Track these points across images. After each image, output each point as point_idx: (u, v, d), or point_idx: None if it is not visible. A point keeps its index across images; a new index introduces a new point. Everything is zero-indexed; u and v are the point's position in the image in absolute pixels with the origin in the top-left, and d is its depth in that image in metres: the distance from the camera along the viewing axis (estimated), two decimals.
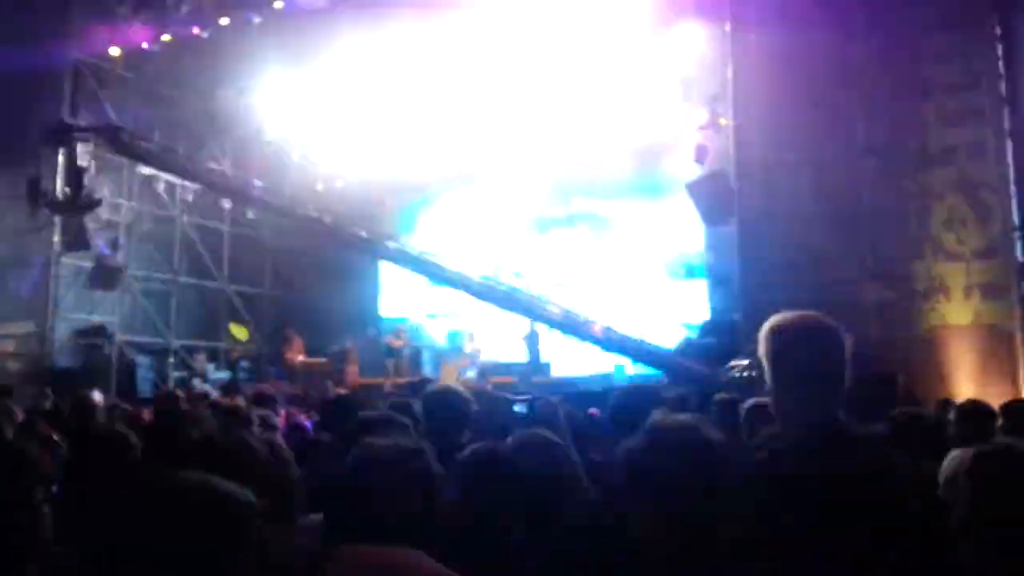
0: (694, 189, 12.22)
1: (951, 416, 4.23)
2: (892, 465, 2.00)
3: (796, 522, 1.76)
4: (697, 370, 10.88)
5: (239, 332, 18.37)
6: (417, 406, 4.57)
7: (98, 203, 14.76)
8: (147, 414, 6.09)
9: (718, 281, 14.23)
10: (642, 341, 12.90)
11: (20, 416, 6.16)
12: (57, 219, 14.96)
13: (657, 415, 1.91)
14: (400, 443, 1.81)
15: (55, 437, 3.89)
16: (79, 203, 14.33)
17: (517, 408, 4.40)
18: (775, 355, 2.07)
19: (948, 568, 1.96)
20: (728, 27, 11.48)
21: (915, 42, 10.36)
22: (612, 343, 13.00)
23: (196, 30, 14.78)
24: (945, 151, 10.37)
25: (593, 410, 4.50)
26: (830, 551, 1.75)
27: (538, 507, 2.25)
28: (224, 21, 13.88)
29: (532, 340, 15.00)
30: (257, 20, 14.70)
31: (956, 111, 10.29)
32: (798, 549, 1.74)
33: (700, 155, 14.01)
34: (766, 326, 2.11)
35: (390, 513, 1.68)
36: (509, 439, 2.51)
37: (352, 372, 15.76)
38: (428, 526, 1.71)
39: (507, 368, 14.81)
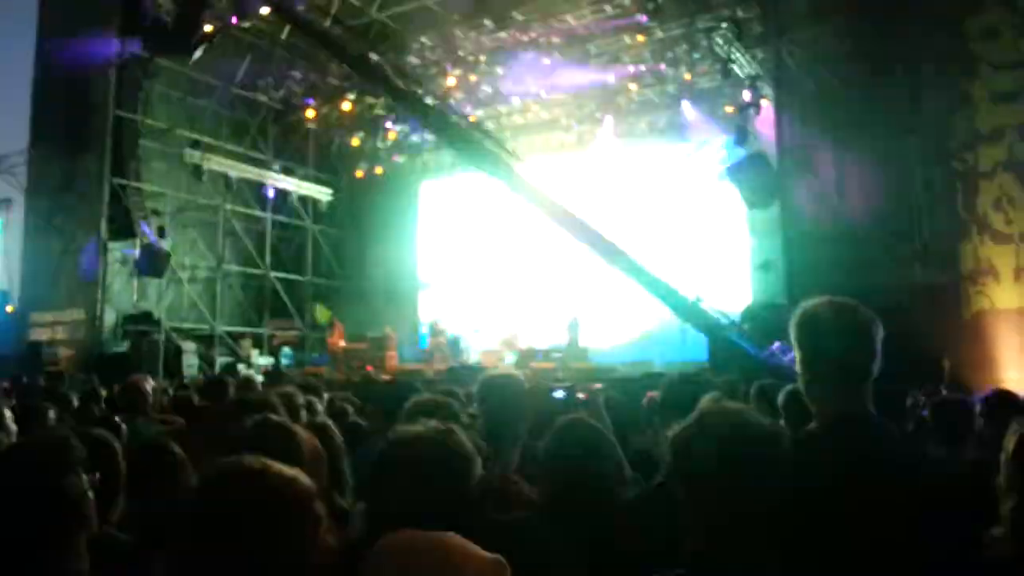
0: (735, 172, 12.08)
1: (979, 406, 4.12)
2: (917, 455, 2.00)
3: (822, 508, 1.77)
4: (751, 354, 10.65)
5: (323, 314, 18.58)
6: (460, 392, 4.59)
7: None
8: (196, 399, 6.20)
9: (761, 266, 14.07)
10: (725, 315, 11.95)
11: (75, 402, 6.36)
12: (105, 208, 15.27)
13: (705, 401, 1.91)
14: (429, 426, 1.82)
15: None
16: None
17: (556, 395, 4.41)
18: (805, 343, 2.07)
19: (975, 556, 1.97)
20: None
21: (963, 19, 10.10)
22: (691, 314, 12.29)
23: (235, 20, 14.89)
24: (994, 130, 10.11)
25: (652, 393, 4.47)
26: (856, 537, 1.77)
27: (579, 494, 2.26)
28: (266, 11, 13.98)
29: (573, 326, 15.02)
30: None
31: (1006, 89, 10.02)
32: (825, 534, 1.75)
33: (741, 137, 13.87)
34: (797, 312, 2.11)
35: (426, 498, 1.70)
36: (552, 427, 2.51)
37: (392, 358, 15.90)
38: (465, 509, 1.73)
39: (546, 354, 14.82)
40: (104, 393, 7.15)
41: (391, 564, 1.56)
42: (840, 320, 2.04)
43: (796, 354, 2.10)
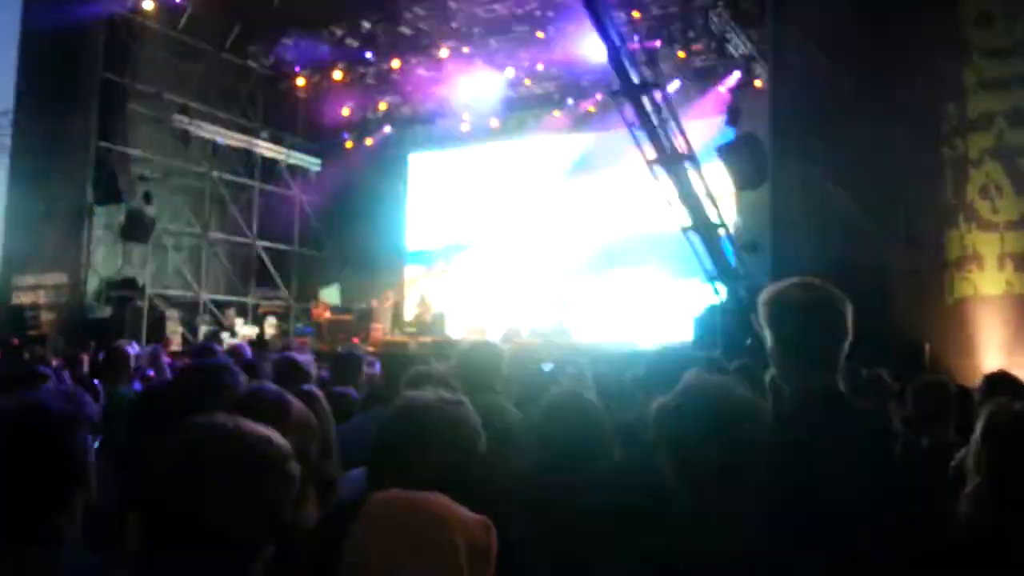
0: (725, 152, 12.06)
1: (980, 387, 4.18)
2: (886, 433, 2.04)
3: (794, 484, 1.81)
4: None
5: (329, 295, 18.43)
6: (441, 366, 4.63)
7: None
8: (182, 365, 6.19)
9: (748, 247, 14.09)
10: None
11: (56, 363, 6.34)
12: (91, 172, 15.12)
13: (689, 375, 1.93)
14: (443, 394, 1.85)
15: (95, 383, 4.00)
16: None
17: (545, 367, 4.43)
18: (774, 323, 2.09)
19: (945, 530, 2.01)
20: None
21: (959, 3, 10.08)
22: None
23: None
24: (984, 116, 10.13)
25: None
26: (826, 513, 1.80)
27: (573, 465, 2.30)
28: None
29: (561, 307, 15.13)
30: None
31: (996, 75, 10.03)
32: (797, 510, 1.79)
33: (733, 117, 13.85)
34: (765, 293, 2.12)
35: (430, 462, 1.73)
36: (543, 398, 2.57)
37: (377, 330, 15.90)
38: (466, 476, 1.76)
39: (531, 331, 14.86)
40: (85, 358, 7.15)
41: (379, 521, 1.59)
42: (809, 301, 2.06)
43: (767, 335, 2.12)
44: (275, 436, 1.54)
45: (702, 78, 15.48)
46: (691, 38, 14.69)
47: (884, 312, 9.77)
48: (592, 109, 17.01)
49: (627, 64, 10.84)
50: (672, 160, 11.23)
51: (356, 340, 14.68)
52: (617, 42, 10.79)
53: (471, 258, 18.43)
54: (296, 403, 2.09)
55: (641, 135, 11.42)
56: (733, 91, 14.41)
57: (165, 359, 7.72)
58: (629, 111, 11.33)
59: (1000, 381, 4.15)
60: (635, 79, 10.99)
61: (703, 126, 15.67)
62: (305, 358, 3.86)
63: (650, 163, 11.63)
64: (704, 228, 11.62)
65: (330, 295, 18.49)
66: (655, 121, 11.09)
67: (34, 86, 16.01)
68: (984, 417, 2.22)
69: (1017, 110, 9.95)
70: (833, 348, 2.04)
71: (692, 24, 14.46)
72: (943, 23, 10.09)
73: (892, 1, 10.19)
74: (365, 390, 4.37)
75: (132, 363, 5.33)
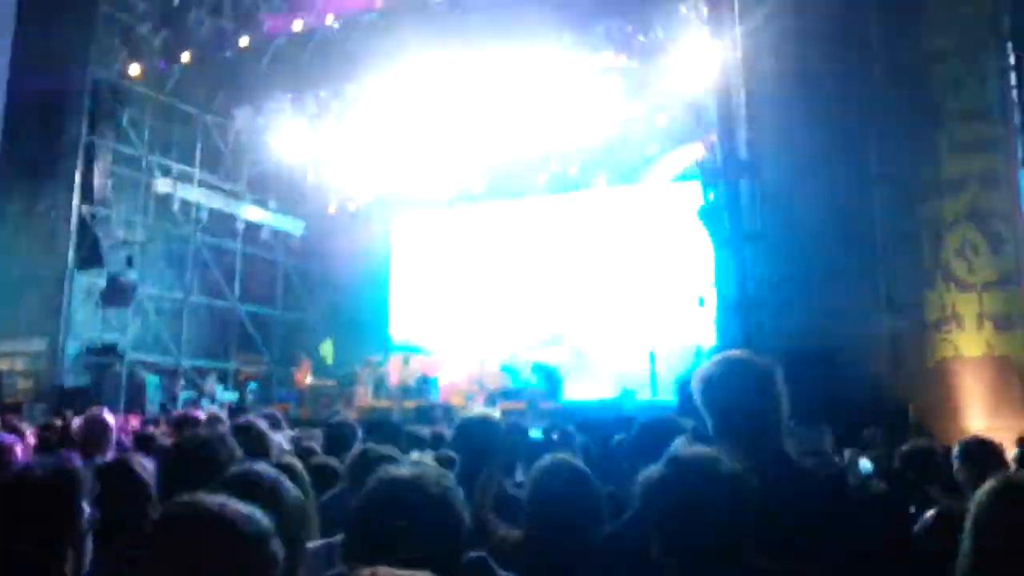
0: (705, 214, 12.20)
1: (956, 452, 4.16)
2: (840, 495, 2.03)
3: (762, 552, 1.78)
4: None
5: (326, 351, 18.21)
6: (424, 432, 4.56)
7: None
8: (158, 433, 6.08)
9: (727, 306, 14.15)
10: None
11: (31, 435, 6.19)
12: (72, 236, 15.07)
13: (677, 445, 1.92)
14: (426, 469, 1.83)
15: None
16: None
17: (532, 435, 4.39)
18: (707, 403, 2.10)
19: None
20: (739, 50, 11.48)
21: (928, 68, 10.37)
22: None
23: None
24: (957, 179, 10.34)
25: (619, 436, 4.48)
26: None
27: (563, 535, 2.26)
28: (244, 42, 14.01)
29: (544, 369, 15.09)
30: (280, 41, 14.87)
31: (969, 139, 10.27)
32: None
33: (711, 179, 14.04)
34: (696, 374, 2.15)
35: (415, 538, 1.69)
36: (534, 466, 2.54)
37: (361, 394, 15.73)
38: (453, 552, 1.72)
39: (516, 394, 14.76)
40: (58, 424, 7.00)
41: None
42: (735, 376, 2.08)
43: (704, 413, 2.14)
44: (257, 514, 1.52)
45: (678, 141, 15.75)
46: (670, 104, 15.00)
47: (867, 374, 9.80)
48: (573, 171, 17.25)
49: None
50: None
51: (340, 406, 14.53)
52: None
53: (455, 316, 18.40)
54: (290, 485, 2.05)
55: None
56: (711, 152, 14.64)
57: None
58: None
59: (975, 447, 4.14)
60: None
61: (680, 188, 15.96)
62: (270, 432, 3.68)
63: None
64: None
65: (326, 350, 18.28)
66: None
67: (17, 148, 16.03)
68: (980, 498, 2.18)
69: (989, 172, 10.18)
70: (768, 417, 2.05)
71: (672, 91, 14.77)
72: (915, 87, 10.37)
73: (863, 65, 10.45)
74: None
75: (112, 434, 5.20)
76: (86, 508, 1.84)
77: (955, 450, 4.09)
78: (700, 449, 1.78)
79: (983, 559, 1.99)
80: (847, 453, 5.99)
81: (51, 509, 1.78)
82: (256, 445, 2.92)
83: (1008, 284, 10.03)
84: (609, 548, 2.33)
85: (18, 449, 3.13)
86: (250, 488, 1.88)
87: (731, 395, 2.06)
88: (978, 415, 9.61)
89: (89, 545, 1.83)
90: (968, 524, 2.09)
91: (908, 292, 10.38)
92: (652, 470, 1.74)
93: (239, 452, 2.46)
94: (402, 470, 1.82)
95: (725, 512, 1.63)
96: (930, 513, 3.34)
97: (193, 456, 2.39)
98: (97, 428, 5.03)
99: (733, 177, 11.16)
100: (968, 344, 10.16)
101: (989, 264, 10.15)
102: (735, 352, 2.16)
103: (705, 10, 12.54)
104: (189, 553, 1.44)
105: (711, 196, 12.44)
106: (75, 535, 1.79)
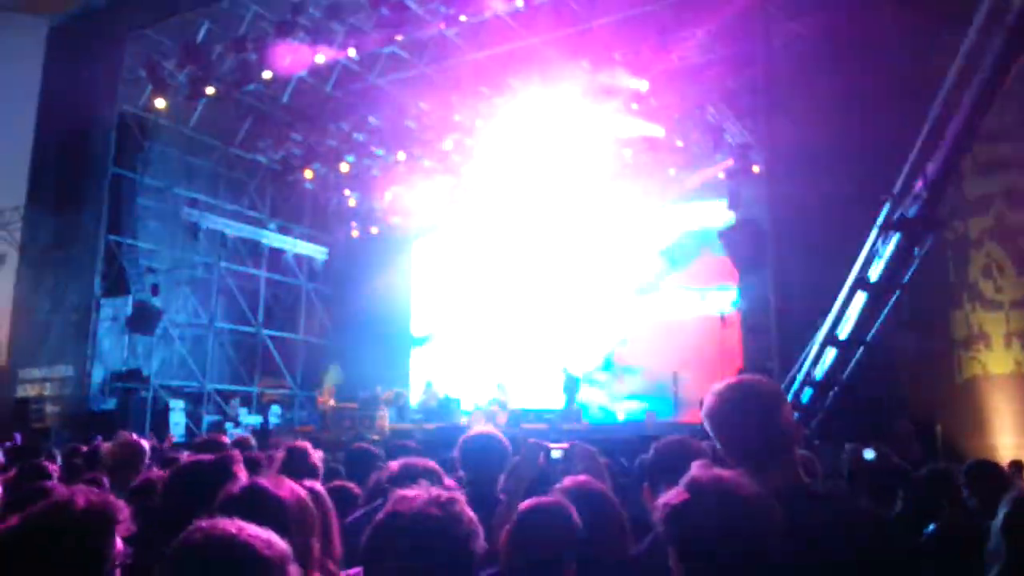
0: (727, 237, 12.20)
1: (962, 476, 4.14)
2: (858, 521, 2.01)
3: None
4: None
5: (334, 377, 18.29)
6: (445, 456, 4.57)
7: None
8: (184, 458, 6.12)
9: (751, 330, 14.10)
10: None
11: (58, 459, 6.27)
12: (99, 265, 15.30)
13: (696, 468, 1.91)
14: (434, 493, 1.82)
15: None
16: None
17: (554, 455, 4.38)
18: (718, 431, 2.09)
19: None
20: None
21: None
22: None
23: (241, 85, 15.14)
24: (982, 199, 10.28)
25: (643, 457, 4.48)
26: None
27: (588, 558, 2.25)
28: (267, 75, 14.22)
29: (569, 387, 15.03)
30: (302, 74, 15.11)
31: (992, 159, 10.21)
32: None
33: (734, 202, 14.04)
34: (705, 401, 2.13)
35: (426, 566, 1.70)
36: (557, 487, 2.53)
37: (383, 418, 15.75)
38: (465, 572, 1.73)
39: (538, 415, 14.72)
40: (84, 450, 7.06)
41: None
42: (742, 403, 2.06)
43: (714, 440, 2.12)
44: (275, 539, 1.53)
45: (698, 164, 15.74)
46: (688, 127, 15.03)
47: (894, 393, 9.71)
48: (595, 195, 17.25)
49: None
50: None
51: (363, 429, 14.55)
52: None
53: (478, 338, 18.41)
54: (293, 500, 2.06)
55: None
56: (730, 176, 14.62)
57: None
58: None
59: (978, 470, 4.12)
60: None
61: (700, 209, 15.94)
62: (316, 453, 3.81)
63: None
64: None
65: (334, 377, 18.35)
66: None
67: (46, 182, 16.38)
68: (1007, 505, 2.19)
69: (1013, 191, 10.11)
70: (778, 442, 2.03)
71: (689, 114, 14.80)
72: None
73: (881, 91, 10.41)
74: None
75: (145, 458, 5.23)
76: (118, 544, 1.85)
77: (961, 476, 4.07)
78: (719, 473, 1.79)
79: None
80: (848, 447, 5.97)
81: (86, 545, 1.79)
82: (303, 465, 2.97)
83: None
84: (631, 571, 2.32)
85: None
86: (253, 504, 1.90)
87: (738, 425, 2.05)
88: (1007, 432, 9.50)
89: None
90: (999, 530, 2.10)
91: (934, 311, 10.29)
92: (670, 494, 1.74)
93: (243, 473, 2.48)
94: (409, 497, 1.82)
95: (744, 534, 1.63)
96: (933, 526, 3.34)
97: (197, 478, 2.42)
98: (131, 452, 5.06)
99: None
100: (996, 362, 10.06)
101: (1016, 283, 10.07)
102: (740, 377, 2.15)
103: None
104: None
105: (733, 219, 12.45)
106: (109, 569, 1.80)
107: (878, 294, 9.08)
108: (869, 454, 5.46)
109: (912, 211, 8.51)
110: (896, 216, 8.67)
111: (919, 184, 8.36)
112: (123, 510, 1.86)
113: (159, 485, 2.68)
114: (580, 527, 2.26)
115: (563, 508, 2.32)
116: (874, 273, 9.02)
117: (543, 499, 2.38)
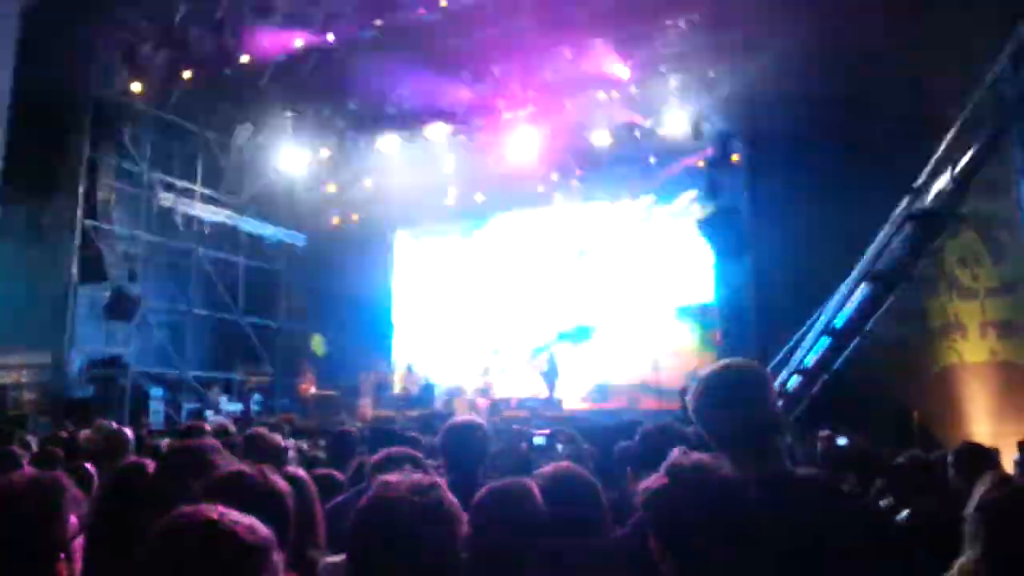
0: (707, 225, 12.24)
1: (950, 459, 4.19)
2: (840, 508, 2.03)
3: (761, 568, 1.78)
4: None
5: (317, 345, 18.34)
6: (427, 441, 4.59)
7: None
8: (164, 445, 6.09)
9: (729, 315, 14.18)
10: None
11: (35, 446, 6.21)
12: (76, 251, 15.13)
13: (675, 454, 1.92)
14: (416, 479, 1.82)
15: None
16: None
17: (537, 441, 4.42)
18: (703, 414, 2.09)
19: None
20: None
21: (929, 79, 10.40)
22: None
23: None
24: None
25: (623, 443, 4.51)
26: None
27: (568, 543, 2.26)
28: (244, 60, 14.08)
29: (550, 375, 15.09)
30: (281, 58, 14.97)
31: (968, 148, 10.28)
32: None
33: (712, 191, 14.08)
34: (693, 386, 2.13)
35: (410, 551, 1.70)
36: (538, 473, 2.53)
37: (364, 405, 15.75)
38: (451, 557, 1.74)
39: (520, 403, 14.77)
40: (64, 436, 7.01)
41: None
42: (728, 389, 2.06)
43: (699, 426, 2.12)
44: (258, 525, 1.52)
45: (676, 153, 15.73)
46: (668, 114, 15.02)
47: (871, 381, 9.81)
48: (575, 183, 17.24)
49: None
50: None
51: (344, 415, 14.54)
52: None
53: (458, 328, 18.40)
54: (275, 486, 2.06)
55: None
56: (711, 165, 14.64)
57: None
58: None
59: (967, 453, 4.16)
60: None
61: (679, 199, 15.98)
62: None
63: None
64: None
65: (316, 343, 18.37)
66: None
67: (20, 166, 16.10)
68: (981, 492, 2.23)
69: (989, 181, 10.20)
70: (765, 427, 2.04)
71: (669, 102, 14.79)
72: (914, 99, 10.38)
73: (862, 82, 10.48)
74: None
75: (130, 446, 5.20)
76: (72, 516, 1.84)
77: (949, 458, 4.12)
78: (698, 456, 1.80)
79: (997, 561, 2.05)
80: (820, 431, 6.06)
81: (33, 520, 1.79)
82: (268, 454, 2.95)
83: (1010, 291, 10.04)
84: (612, 556, 2.34)
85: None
86: (235, 490, 1.89)
87: (724, 409, 2.05)
88: (983, 421, 9.63)
89: (78, 552, 1.83)
90: (974, 527, 2.13)
91: (911, 300, 10.39)
92: (650, 479, 1.76)
93: (233, 461, 2.47)
94: (392, 483, 1.82)
95: (718, 517, 1.65)
96: (905, 512, 3.39)
97: (184, 463, 2.41)
98: (116, 442, 5.03)
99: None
100: (972, 351, 10.18)
101: (991, 272, 10.18)
102: (727, 361, 2.15)
103: None
104: (189, 564, 1.43)
105: (712, 208, 12.51)
106: (62, 543, 1.79)
107: (887, 287, 9.18)
108: (842, 440, 5.54)
109: (933, 204, 8.57)
110: (917, 209, 8.71)
111: (946, 177, 8.39)
112: (72, 488, 1.86)
113: (146, 468, 2.65)
114: (543, 510, 2.25)
115: (523, 490, 2.30)
116: (883, 265, 9.10)
117: (505, 482, 2.37)
